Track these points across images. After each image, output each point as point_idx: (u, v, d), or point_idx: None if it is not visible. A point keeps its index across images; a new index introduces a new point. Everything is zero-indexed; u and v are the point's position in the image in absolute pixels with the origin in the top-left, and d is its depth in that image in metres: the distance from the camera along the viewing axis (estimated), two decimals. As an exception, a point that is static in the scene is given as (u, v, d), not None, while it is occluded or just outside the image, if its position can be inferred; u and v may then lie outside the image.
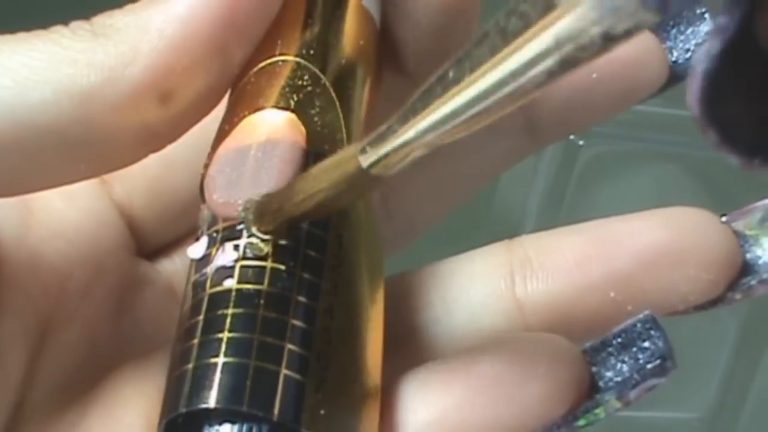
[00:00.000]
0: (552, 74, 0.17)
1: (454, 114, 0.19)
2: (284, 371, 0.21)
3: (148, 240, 0.27)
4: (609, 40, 0.16)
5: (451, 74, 0.19)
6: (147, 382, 0.24)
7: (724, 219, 0.24)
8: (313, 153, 0.23)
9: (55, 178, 0.23)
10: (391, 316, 0.24)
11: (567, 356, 0.23)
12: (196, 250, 0.23)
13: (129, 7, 0.23)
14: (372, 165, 0.20)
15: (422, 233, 0.28)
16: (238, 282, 0.22)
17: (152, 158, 0.25)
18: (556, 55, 0.17)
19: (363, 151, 0.20)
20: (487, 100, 0.18)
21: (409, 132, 0.19)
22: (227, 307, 0.22)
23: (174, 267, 0.27)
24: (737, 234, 0.24)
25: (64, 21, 0.23)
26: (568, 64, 0.17)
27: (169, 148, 0.24)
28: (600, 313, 0.24)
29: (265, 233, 0.22)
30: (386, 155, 0.20)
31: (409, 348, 0.24)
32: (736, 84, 0.16)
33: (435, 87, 0.19)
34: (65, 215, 0.25)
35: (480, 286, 0.25)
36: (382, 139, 0.20)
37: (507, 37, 0.17)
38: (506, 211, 0.57)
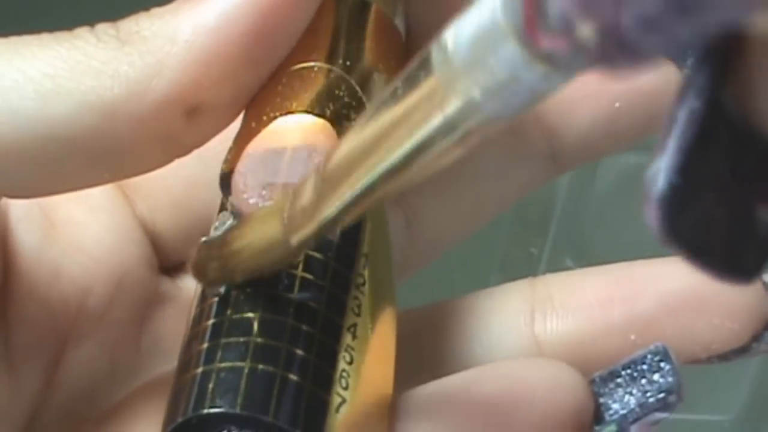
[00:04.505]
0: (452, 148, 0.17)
1: (370, 189, 0.18)
2: (310, 386, 0.21)
3: (170, 256, 0.26)
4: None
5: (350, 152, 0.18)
6: (166, 399, 0.24)
7: None
8: None
9: (76, 183, 0.23)
10: (410, 347, 0.24)
11: (568, 383, 0.22)
12: None
13: (157, 12, 0.22)
14: (300, 245, 0.20)
15: (441, 254, 0.28)
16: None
17: (176, 175, 0.25)
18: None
19: (288, 232, 0.20)
20: (400, 173, 0.18)
21: (328, 213, 0.19)
22: (254, 311, 0.21)
23: (195, 283, 0.27)
24: (765, 285, 0.24)
25: (90, 20, 0.22)
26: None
27: (194, 166, 0.24)
28: (619, 355, 0.24)
29: (207, 284, 0.22)
30: (312, 235, 0.20)
31: (424, 381, 0.24)
32: (706, 185, 0.15)
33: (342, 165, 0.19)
34: (87, 229, 0.25)
35: (499, 322, 0.25)
36: (302, 223, 0.20)
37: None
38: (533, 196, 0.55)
